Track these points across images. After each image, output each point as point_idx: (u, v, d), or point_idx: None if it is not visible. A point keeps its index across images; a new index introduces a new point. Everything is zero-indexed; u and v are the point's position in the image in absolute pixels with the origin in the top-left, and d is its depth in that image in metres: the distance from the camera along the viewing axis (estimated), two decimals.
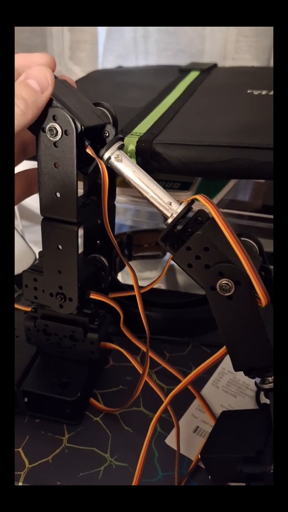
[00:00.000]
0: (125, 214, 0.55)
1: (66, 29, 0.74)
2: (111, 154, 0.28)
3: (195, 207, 0.29)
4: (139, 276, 0.74)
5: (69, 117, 0.26)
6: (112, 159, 0.28)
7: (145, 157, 0.35)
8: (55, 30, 0.74)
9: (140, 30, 0.65)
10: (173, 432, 0.35)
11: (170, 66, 0.62)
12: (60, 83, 0.29)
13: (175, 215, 0.28)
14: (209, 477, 0.30)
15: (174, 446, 0.34)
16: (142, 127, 0.38)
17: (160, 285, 0.84)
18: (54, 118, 0.26)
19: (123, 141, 0.29)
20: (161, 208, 0.29)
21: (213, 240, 0.27)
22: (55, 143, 0.27)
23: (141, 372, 0.35)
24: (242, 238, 0.31)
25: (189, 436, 0.35)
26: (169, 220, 0.29)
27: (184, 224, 0.29)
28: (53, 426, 0.36)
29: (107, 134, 0.29)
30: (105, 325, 0.38)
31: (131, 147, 0.35)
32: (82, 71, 0.73)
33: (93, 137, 0.28)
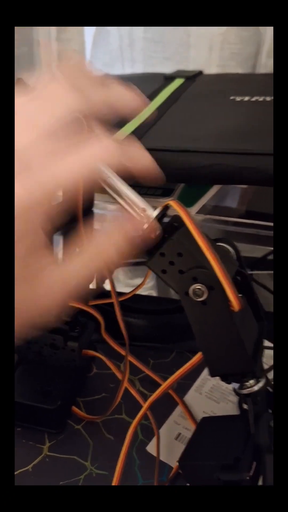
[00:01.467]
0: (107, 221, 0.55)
1: (53, 38, 0.74)
2: None
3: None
4: (129, 283, 0.74)
5: None
6: None
7: None
8: (42, 39, 0.74)
9: (125, 38, 0.66)
10: (154, 439, 0.35)
11: (156, 73, 0.62)
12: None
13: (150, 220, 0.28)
14: (187, 484, 0.29)
15: (155, 454, 0.33)
16: (122, 133, 0.38)
17: (152, 292, 0.84)
18: None
19: None
20: (135, 214, 0.29)
21: (187, 246, 0.26)
22: None
23: (121, 378, 0.35)
24: (218, 243, 0.31)
25: (171, 443, 0.35)
26: (144, 226, 0.28)
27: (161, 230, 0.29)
28: (34, 434, 0.35)
29: None
30: (87, 333, 0.38)
31: None
32: None
33: None
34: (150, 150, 0.35)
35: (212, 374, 0.28)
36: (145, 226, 0.28)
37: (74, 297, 0.21)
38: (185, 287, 0.26)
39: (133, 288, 0.45)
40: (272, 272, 0.60)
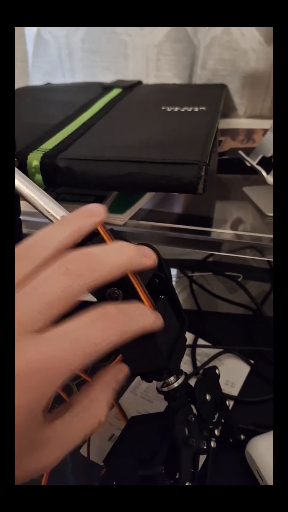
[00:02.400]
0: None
1: None
2: None
3: None
4: None
5: None
6: None
7: (49, 173, 0.36)
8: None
9: (64, 48, 0.67)
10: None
11: (95, 83, 0.63)
12: None
13: None
14: (114, 483, 0.30)
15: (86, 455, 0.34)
16: (50, 143, 0.39)
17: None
18: None
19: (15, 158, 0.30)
20: (55, 221, 0.30)
21: None
22: None
23: None
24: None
25: (104, 444, 0.36)
26: None
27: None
28: None
29: None
30: None
31: (35, 163, 0.36)
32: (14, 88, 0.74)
33: None
34: (72, 160, 0.36)
35: (131, 373, 0.29)
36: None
37: (65, 456, 0.21)
38: (101, 291, 0.27)
39: None
40: (208, 273, 0.63)
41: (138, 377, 0.42)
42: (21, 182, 0.29)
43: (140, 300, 0.27)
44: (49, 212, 0.29)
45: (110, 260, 0.22)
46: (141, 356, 0.28)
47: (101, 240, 0.28)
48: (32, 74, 0.73)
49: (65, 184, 0.36)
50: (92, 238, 0.29)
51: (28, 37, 0.76)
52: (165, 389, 0.30)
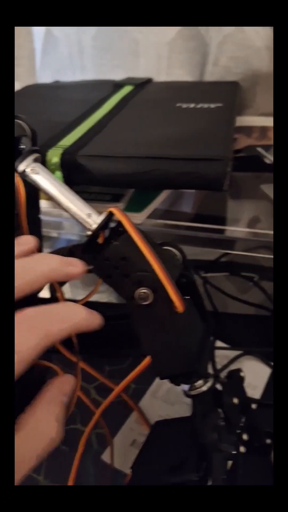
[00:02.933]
0: (72, 229, 0.54)
1: None
2: (26, 166, 0.28)
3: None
4: (80, 291, 0.73)
5: None
6: (28, 172, 0.28)
7: (69, 170, 0.35)
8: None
9: (74, 45, 0.66)
10: (109, 447, 0.34)
11: (106, 80, 0.62)
12: None
13: (95, 226, 0.28)
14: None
15: (110, 462, 0.33)
16: (68, 140, 0.38)
17: (112, 299, 0.83)
18: None
19: (39, 153, 0.29)
20: (81, 220, 0.29)
21: (130, 250, 0.27)
22: None
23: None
24: (165, 247, 0.32)
25: (126, 450, 0.35)
26: (89, 232, 0.28)
27: (107, 236, 0.29)
28: None
29: (23, 147, 0.29)
30: None
31: (55, 159, 0.35)
32: (21, 86, 0.73)
33: None
34: (93, 156, 0.35)
35: (160, 376, 0.28)
36: (91, 229, 0.28)
37: (21, 481, 0.21)
38: (130, 291, 0.26)
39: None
40: (224, 274, 0.62)
41: (157, 380, 0.41)
42: (45, 179, 0.28)
43: (170, 299, 0.26)
44: (76, 211, 0.28)
45: (30, 271, 0.23)
46: (171, 358, 0.27)
47: (128, 238, 0.27)
48: (40, 71, 0.72)
49: (84, 182, 0.35)
50: (120, 235, 0.28)
51: (35, 34, 0.75)
52: (194, 392, 0.29)
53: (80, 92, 0.58)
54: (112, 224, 0.29)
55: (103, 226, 0.29)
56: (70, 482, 0.29)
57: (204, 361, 0.28)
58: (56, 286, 0.25)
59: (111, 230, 0.29)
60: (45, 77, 0.72)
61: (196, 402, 0.28)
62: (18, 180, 0.28)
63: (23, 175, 0.28)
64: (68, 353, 0.38)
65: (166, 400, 0.39)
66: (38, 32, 0.74)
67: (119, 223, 0.29)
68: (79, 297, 0.38)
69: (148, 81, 0.61)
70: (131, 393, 0.39)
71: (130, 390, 0.40)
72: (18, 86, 0.75)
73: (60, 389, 0.24)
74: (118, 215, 0.27)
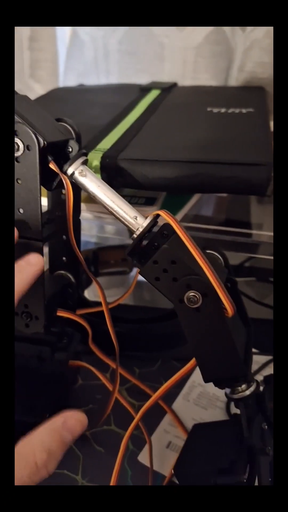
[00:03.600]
0: (90, 230, 0.55)
1: (25, 48, 0.74)
2: (75, 169, 0.28)
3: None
4: (105, 293, 0.73)
5: (31, 132, 0.26)
6: (76, 174, 0.28)
7: (110, 173, 0.35)
8: (15, 49, 0.74)
9: (100, 49, 0.66)
10: (146, 448, 0.34)
11: (131, 84, 0.63)
12: (21, 98, 0.28)
13: (141, 229, 0.28)
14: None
15: (147, 463, 0.33)
16: (106, 143, 0.38)
17: (128, 302, 0.84)
18: (16, 133, 0.26)
19: (87, 156, 0.29)
20: (126, 222, 0.29)
21: (180, 254, 0.27)
22: (17, 159, 0.26)
23: (111, 389, 0.34)
24: (207, 251, 0.32)
25: (162, 452, 0.35)
26: (135, 234, 0.29)
27: (150, 239, 0.30)
28: None
29: (70, 150, 0.29)
30: (73, 344, 0.37)
31: (96, 162, 0.35)
32: (43, 89, 0.74)
33: (56, 152, 0.28)
34: (135, 160, 0.35)
35: (206, 379, 0.28)
36: (137, 232, 0.28)
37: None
38: (179, 294, 0.27)
39: (110, 298, 0.45)
40: (249, 279, 0.62)
41: (189, 383, 0.41)
42: (92, 181, 0.29)
43: (221, 303, 0.26)
44: (122, 214, 0.29)
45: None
46: (219, 361, 0.27)
47: (177, 241, 0.27)
48: (65, 75, 0.73)
49: (125, 185, 0.36)
50: (165, 238, 0.28)
51: (59, 38, 0.76)
52: (237, 396, 0.29)
53: (107, 96, 0.58)
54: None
55: (149, 229, 0.29)
56: (113, 483, 0.29)
57: (249, 365, 0.28)
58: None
59: (155, 234, 0.30)
60: (68, 81, 0.73)
61: (241, 406, 0.28)
62: (67, 183, 0.28)
63: (71, 178, 0.29)
64: (105, 357, 0.39)
65: (198, 403, 0.39)
66: (62, 35, 0.75)
67: (164, 226, 0.29)
68: (109, 300, 0.38)
69: (173, 85, 0.62)
70: (163, 396, 0.39)
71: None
72: (39, 89, 0.76)
73: (65, 425, 0.23)
74: (167, 217, 0.27)
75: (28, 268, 0.26)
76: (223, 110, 0.48)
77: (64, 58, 0.74)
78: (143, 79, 0.66)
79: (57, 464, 0.22)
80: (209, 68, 0.65)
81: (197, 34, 0.61)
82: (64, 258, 0.36)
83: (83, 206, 0.40)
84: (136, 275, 0.44)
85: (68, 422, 0.23)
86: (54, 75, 0.76)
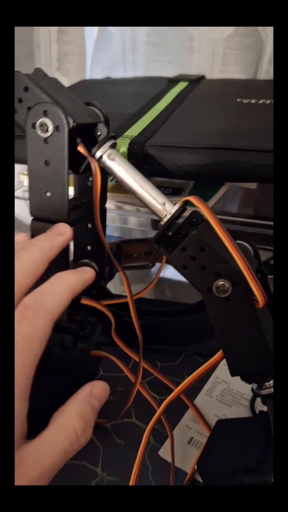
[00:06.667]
0: (113, 221, 0.54)
1: (54, 40, 0.74)
2: (104, 152, 0.27)
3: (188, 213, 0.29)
4: (124, 289, 0.72)
5: (61, 113, 0.25)
6: (105, 158, 0.28)
7: (138, 160, 0.34)
8: (42, 41, 0.74)
9: (128, 41, 0.66)
10: (167, 443, 0.33)
11: (159, 77, 0.62)
12: (51, 80, 0.28)
13: (169, 216, 0.28)
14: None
15: (168, 458, 0.32)
16: (134, 131, 0.38)
17: (149, 297, 0.83)
18: (45, 113, 0.25)
19: (115, 139, 0.28)
20: (154, 208, 0.28)
21: (209, 241, 0.26)
22: (45, 140, 0.26)
23: (133, 381, 0.34)
24: (237, 241, 0.31)
25: (184, 448, 0.34)
26: (163, 221, 0.28)
27: (178, 227, 0.29)
28: None
29: (99, 133, 0.29)
30: (96, 334, 0.37)
31: (123, 149, 0.34)
32: (70, 82, 0.74)
33: (85, 135, 0.28)
34: (163, 147, 0.34)
35: (233, 373, 0.27)
36: (165, 219, 0.28)
37: (51, 474, 0.22)
38: (207, 283, 0.25)
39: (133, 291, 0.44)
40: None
41: (212, 379, 0.40)
42: (120, 165, 0.28)
43: (252, 293, 0.25)
44: (150, 199, 0.28)
45: (55, 292, 0.25)
46: (248, 355, 0.26)
47: (207, 228, 0.26)
48: (92, 68, 0.72)
49: (152, 173, 0.35)
50: (194, 225, 0.27)
51: (86, 31, 0.76)
52: (265, 392, 0.27)
53: (134, 87, 0.57)
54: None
55: (177, 216, 0.28)
56: (133, 477, 0.28)
57: None
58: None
59: (184, 222, 0.29)
60: (96, 73, 0.72)
61: (269, 403, 0.27)
62: (96, 166, 0.27)
63: (99, 161, 0.28)
64: (127, 348, 0.38)
65: (221, 400, 0.38)
66: (88, 29, 0.74)
67: (193, 214, 0.28)
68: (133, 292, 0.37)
69: (201, 77, 0.61)
70: (185, 391, 0.38)
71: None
72: (66, 82, 0.76)
73: (92, 393, 0.25)
74: (198, 203, 0.26)
75: (56, 238, 0.26)
76: (253, 101, 0.47)
77: (91, 51, 0.74)
78: (170, 72, 0.65)
79: (92, 430, 0.24)
80: (239, 61, 0.63)
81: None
82: (88, 247, 0.36)
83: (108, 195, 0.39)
84: (160, 267, 0.43)
85: (94, 390, 0.25)
86: (82, 68, 0.76)
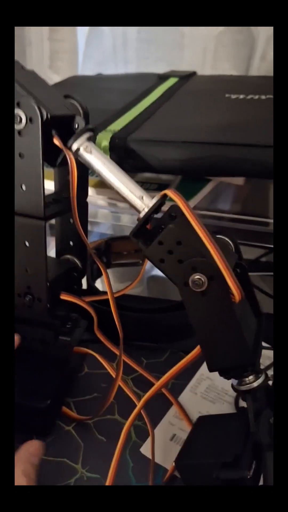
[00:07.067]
0: (106, 219, 0.54)
1: (45, 38, 0.74)
2: (80, 145, 0.27)
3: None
4: (118, 285, 0.72)
5: (34, 104, 0.25)
6: (81, 151, 0.27)
7: (120, 154, 0.34)
8: (34, 38, 0.74)
9: (119, 37, 0.66)
10: (149, 440, 0.33)
11: (149, 73, 0.62)
12: (28, 73, 0.28)
13: (146, 209, 0.27)
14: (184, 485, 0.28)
15: (149, 455, 0.32)
16: (117, 125, 0.37)
17: (141, 295, 0.82)
18: (19, 105, 0.25)
19: (93, 132, 0.28)
20: (132, 202, 0.28)
21: (186, 235, 0.25)
22: (19, 132, 0.26)
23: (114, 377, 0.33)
24: (217, 236, 0.30)
25: (166, 445, 0.34)
26: (141, 214, 0.27)
27: (157, 221, 0.28)
28: (21, 436, 0.33)
29: (77, 126, 0.28)
30: (79, 330, 0.36)
31: (105, 143, 0.34)
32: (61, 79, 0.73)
33: (62, 128, 0.27)
34: (145, 141, 0.34)
35: (211, 368, 0.26)
36: (143, 212, 0.27)
37: None
38: (184, 277, 0.25)
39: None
40: (266, 273, 0.60)
41: (197, 376, 0.40)
42: (97, 158, 0.28)
43: (228, 287, 0.24)
44: (128, 193, 0.28)
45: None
46: (226, 349, 0.25)
47: (184, 221, 0.26)
48: (83, 64, 0.72)
49: (135, 168, 0.35)
50: (173, 219, 0.27)
51: (79, 28, 0.75)
52: (244, 388, 0.27)
53: (125, 83, 0.57)
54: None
55: (155, 209, 0.28)
56: (111, 474, 0.28)
57: (258, 356, 0.27)
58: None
59: (163, 216, 0.28)
60: (87, 70, 0.72)
61: (248, 399, 0.27)
62: (71, 159, 0.27)
63: (76, 154, 0.28)
64: (110, 343, 0.38)
65: (205, 397, 0.37)
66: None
67: (172, 208, 0.28)
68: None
69: (192, 74, 0.60)
70: (169, 388, 0.38)
71: (168, 385, 0.38)
72: (58, 80, 0.76)
73: (29, 451, 0.28)
74: (174, 197, 0.26)
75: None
76: (241, 96, 0.46)
77: (83, 48, 0.73)
78: (161, 68, 0.65)
79: (35, 481, 0.26)
80: (230, 57, 0.63)
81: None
82: (71, 243, 0.36)
83: (96, 191, 0.39)
84: (144, 263, 0.43)
85: (31, 450, 0.28)
86: (74, 66, 0.76)
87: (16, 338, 0.32)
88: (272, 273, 0.59)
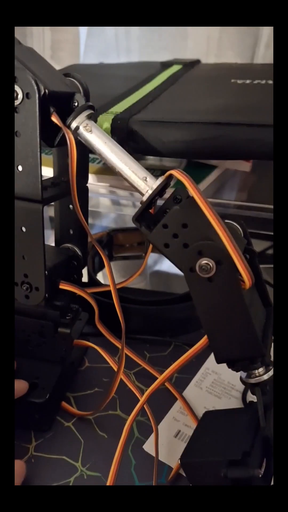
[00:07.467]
0: (108, 207, 0.52)
1: (47, 28, 0.72)
2: (80, 123, 0.26)
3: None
4: (120, 280, 0.71)
5: (31, 78, 0.23)
6: (81, 129, 0.26)
7: (121, 136, 0.32)
8: (35, 29, 0.72)
9: (121, 26, 0.64)
10: (152, 437, 0.32)
11: (152, 62, 0.60)
12: (26, 48, 0.26)
13: (150, 191, 0.26)
14: (190, 485, 0.26)
15: (153, 453, 0.30)
16: (119, 107, 0.36)
17: (146, 288, 0.81)
18: (15, 80, 0.24)
19: (94, 110, 0.27)
20: (136, 183, 0.26)
21: (193, 217, 0.24)
22: (16, 109, 0.24)
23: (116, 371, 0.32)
24: (225, 221, 0.29)
25: (170, 441, 0.32)
26: (145, 197, 0.26)
27: (161, 205, 0.27)
28: (19, 432, 0.32)
29: (76, 104, 0.27)
30: (79, 322, 0.35)
31: (106, 125, 0.33)
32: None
33: (60, 106, 0.26)
34: (148, 122, 0.32)
35: (218, 359, 0.25)
36: (147, 194, 0.26)
37: None
38: (189, 262, 0.24)
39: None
40: (270, 266, 0.58)
41: (202, 370, 0.38)
42: (98, 137, 0.26)
43: (237, 272, 0.23)
44: (130, 174, 0.26)
45: None
46: (234, 339, 0.24)
47: (191, 203, 0.24)
48: (85, 53, 0.71)
49: (137, 150, 0.33)
50: (179, 202, 0.25)
51: None
52: (253, 380, 0.26)
53: (127, 70, 0.56)
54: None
55: (160, 191, 0.26)
56: (112, 472, 0.27)
57: (268, 347, 0.25)
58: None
59: (167, 199, 0.27)
60: (89, 59, 0.71)
61: (258, 392, 0.25)
62: (70, 137, 0.26)
63: (75, 133, 0.26)
64: (111, 336, 0.36)
65: (211, 391, 0.36)
66: None
67: (177, 191, 0.26)
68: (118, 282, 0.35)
69: (196, 61, 0.59)
70: (174, 382, 0.36)
71: (172, 380, 0.37)
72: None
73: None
74: (181, 177, 0.24)
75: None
76: (248, 81, 0.45)
77: (84, 38, 0.72)
78: (164, 57, 0.63)
79: None
80: (234, 45, 0.61)
81: None
82: (70, 231, 0.34)
83: (97, 178, 0.38)
84: (147, 254, 0.41)
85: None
86: (76, 56, 0.74)
87: (23, 385, 0.31)
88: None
